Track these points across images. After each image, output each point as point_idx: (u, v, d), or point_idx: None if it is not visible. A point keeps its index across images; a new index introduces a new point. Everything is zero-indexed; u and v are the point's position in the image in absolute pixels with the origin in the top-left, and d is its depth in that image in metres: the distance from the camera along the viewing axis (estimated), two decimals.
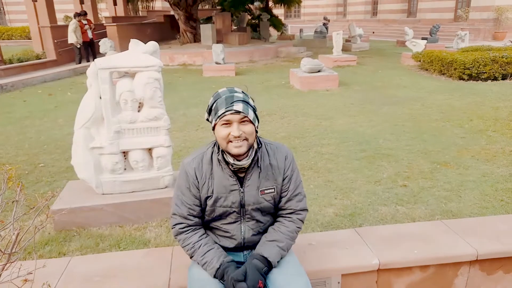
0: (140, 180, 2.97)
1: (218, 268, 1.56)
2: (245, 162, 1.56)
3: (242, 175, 1.62)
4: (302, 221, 1.72)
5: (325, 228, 2.80)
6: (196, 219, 1.66)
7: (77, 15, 12.30)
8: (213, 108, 1.52)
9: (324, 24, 20.91)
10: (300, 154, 4.40)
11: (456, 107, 6.46)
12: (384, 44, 19.50)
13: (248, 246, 1.75)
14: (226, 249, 1.74)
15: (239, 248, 1.75)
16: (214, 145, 1.66)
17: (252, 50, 14.02)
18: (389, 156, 4.26)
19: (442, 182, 3.58)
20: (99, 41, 11.46)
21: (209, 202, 1.63)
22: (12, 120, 6.26)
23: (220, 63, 10.84)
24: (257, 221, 1.69)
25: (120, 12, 18.76)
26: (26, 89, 9.11)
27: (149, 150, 2.98)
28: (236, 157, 1.54)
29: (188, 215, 1.64)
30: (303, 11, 34.19)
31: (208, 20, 17.28)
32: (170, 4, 15.55)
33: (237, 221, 1.68)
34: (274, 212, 1.75)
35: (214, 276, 1.56)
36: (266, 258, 1.57)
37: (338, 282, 2.00)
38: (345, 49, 14.42)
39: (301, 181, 1.74)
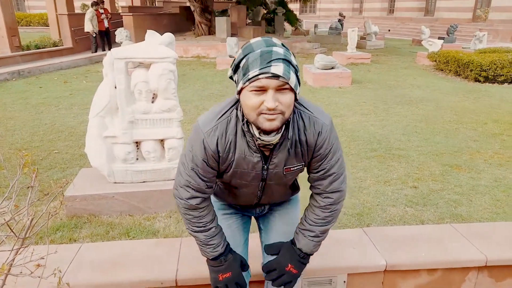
0: (151, 170, 3.00)
1: (222, 253, 1.46)
2: (273, 138, 1.22)
3: (267, 152, 1.32)
4: (335, 204, 1.43)
5: (332, 227, 2.79)
6: (211, 189, 1.43)
7: (94, 4, 12.38)
8: (241, 65, 1.15)
9: (339, 20, 20.68)
10: None
11: (471, 110, 6.36)
12: (399, 42, 19.24)
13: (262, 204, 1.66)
14: (238, 206, 1.68)
15: (252, 205, 1.66)
16: (237, 107, 1.28)
17: None
18: (400, 157, 4.23)
19: (453, 185, 3.54)
20: (115, 30, 11.54)
21: (227, 174, 1.39)
22: (28, 106, 6.37)
23: (234, 57, 10.83)
24: (276, 192, 1.53)
25: (137, 2, 18.84)
26: (42, 76, 9.24)
27: (161, 141, 3.01)
28: (268, 132, 1.20)
29: (206, 188, 1.38)
30: (319, 7, 33.87)
31: (223, 12, 17.24)
32: None
33: (255, 191, 1.49)
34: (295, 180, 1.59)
35: (212, 259, 1.47)
36: (300, 249, 1.49)
37: (344, 281, 2.01)
38: (359, 47, 14.27)
39: (339, 158, 1.38)
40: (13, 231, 1.18)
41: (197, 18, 15.71)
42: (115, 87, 2.82)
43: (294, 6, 24.61)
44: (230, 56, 10.86)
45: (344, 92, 7.75)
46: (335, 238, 2.22)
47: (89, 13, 12.05)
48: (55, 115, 5.83)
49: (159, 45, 2.87)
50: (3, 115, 5.81)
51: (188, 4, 16.74)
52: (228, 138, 1.28)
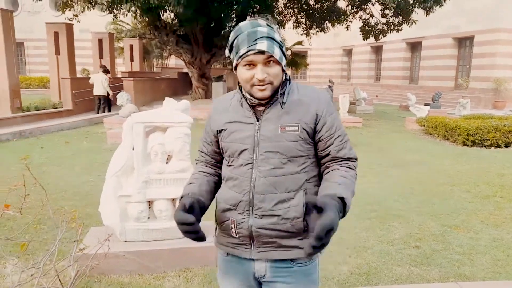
0: (162, 229, 3.07)
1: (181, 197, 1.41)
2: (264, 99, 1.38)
3: (261, 109, 1.41)
4: (355, 169, 1.44)
5: (341, 286, 2.84)
6: (207, 158, 1.55)
7: (107, 70, 13.06)
8: (234, 45, 1.34)
9: (329, 86, 21.79)
10: None
11: (462, 172, 6.62)
12: (387, 107, 20.16)
13: (257, 235, 1.39)
14: (232, 242, 1.46)
15: (245, 236, 1.41)
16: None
17: None
18: (400, 217, 4.35)
19: (453, 245, 3.63)
20: (115, 93, 12.03)
21: (223, 135, 1.46)
22: (30, 166, 6.44)
23: None
24: (273, 168, 1.37)
25: (136, 67, 19.75)
26: (43, 136, 9.42)
27: (173, 200, 3.12)
28: (260, 100, 1.37)
29: (200, 151, 1.58)
30: (309, 74, 35.72)
31: (220, 78, 18.11)
32: (185, 63, 16.45)
33: (249, 164, 1.39)
34: (298, 160, 1.40)
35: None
36: (343, 199, 1.26)
37: None
38: (350, 111, 14.92)
39: (345, 133, 1.45)
40: (62, 285, 1.26)
41: (194, 83, 16.49)
42: (133, 149, 2.99)
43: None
44: None
45: None
46: None
47: (106, 80, 12.69)
48: (58, 175, 5.90)
49: (175, 110, 3.10)
50: (5, 175, 5.87)
51: (185, 70, 17.65)
52: (226, 102, 1.49)
